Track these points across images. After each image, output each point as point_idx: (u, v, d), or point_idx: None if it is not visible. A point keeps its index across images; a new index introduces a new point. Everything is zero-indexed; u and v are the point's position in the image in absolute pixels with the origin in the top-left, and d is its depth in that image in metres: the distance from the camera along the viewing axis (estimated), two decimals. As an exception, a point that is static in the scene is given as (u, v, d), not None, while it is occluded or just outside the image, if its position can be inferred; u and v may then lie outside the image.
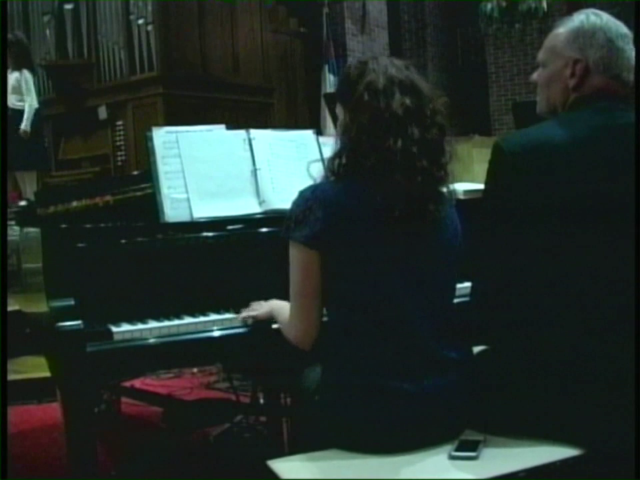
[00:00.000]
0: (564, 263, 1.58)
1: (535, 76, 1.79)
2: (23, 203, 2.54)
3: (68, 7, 7.55)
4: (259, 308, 1.95)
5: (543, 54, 1.75)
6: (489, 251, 1.67)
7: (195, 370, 4.01)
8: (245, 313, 1.96)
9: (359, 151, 1.67)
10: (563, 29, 1.70)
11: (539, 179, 1.57)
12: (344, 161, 1.69)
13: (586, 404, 1.56)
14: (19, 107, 6.37)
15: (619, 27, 1.66)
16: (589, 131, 1.61)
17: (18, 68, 6.41)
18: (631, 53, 1.67)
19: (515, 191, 1.59)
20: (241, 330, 1.94)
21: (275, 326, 1.88)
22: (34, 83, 6.54)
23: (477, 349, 1.81)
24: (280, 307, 1.86)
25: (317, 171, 1.75)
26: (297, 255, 1.67)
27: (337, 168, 1.70)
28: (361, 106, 1.68)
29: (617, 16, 1.71)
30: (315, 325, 1.70)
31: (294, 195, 1.71)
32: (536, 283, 1.61)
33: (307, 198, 1.66)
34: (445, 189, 1.73)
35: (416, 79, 1.71)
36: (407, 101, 1.66)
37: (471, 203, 2.35)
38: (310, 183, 1.75)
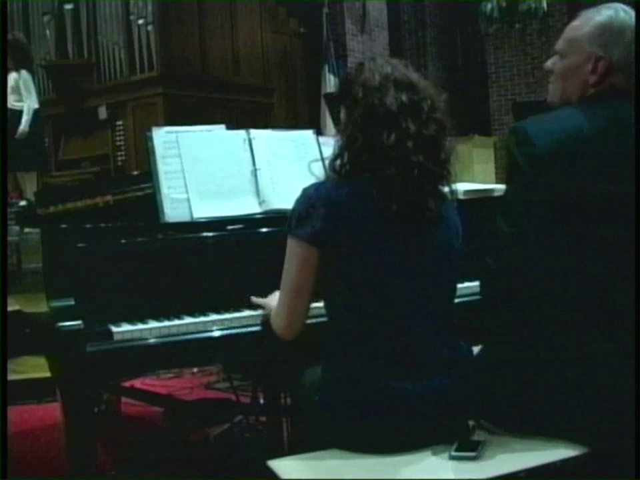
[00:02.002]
0: (583, 258, 1.56)
1: (549, 64, 1.73)
2: (23, 203, 2.54)
3: (68, 6, 7.54)
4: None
5: (563, 44, 1.69)
6: (509, 246, 1.62)
7: (195, 370, 4.01)
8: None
9: (355, 148, 1.67)
10: (588, 21, 1.63)
11: (566, 170, 1.53)
12: (345, 160, 1.70)
13: (587, 403, 1.56)
14: (18, 108, 6.36)
15: None
16: (608, 124, 1.57)
17: (16, 68, 6.41)
18: None
19: (542, 182, 1.55)
20: (241, 330, 1.94)
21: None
22: (33, 84, 6.54)
23: (477, 349, 1.81)
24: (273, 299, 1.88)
25: (319, 170, 1.76)
26: (296, 251, 1.67)
27: (338, 168, 1.70)
28: (356, 103, 1.69)
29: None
30: (302, 319, 1.73)
31: (294, 195, 1.71)
32: (552, 278, 1.59)
33: (310, 196, 1.66)
34: (446, 189, 1.73)
35: (413, 77, 1.71)
36: (402, 97, 1.66)
37: (470, 203, 2.35)
38: (311, 181, 1.75)
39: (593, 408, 1.55)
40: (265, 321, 1.91)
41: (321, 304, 1.75)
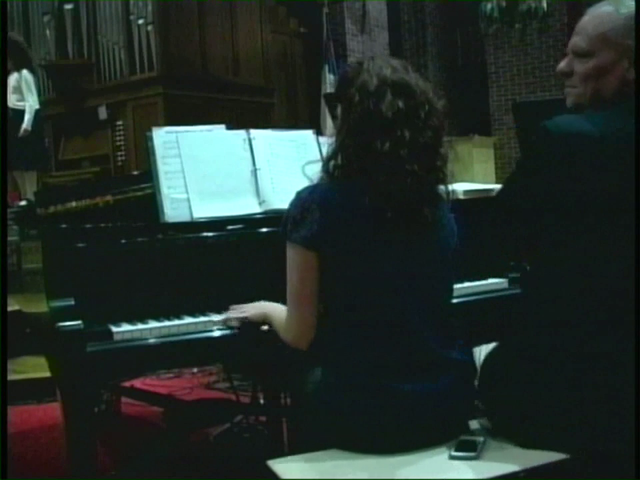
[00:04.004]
0: (590, 257, 1.55)
1: (564, 66, 1.64)
2: (23, 203, 2.54)
3: (68, 6, 7.54)
4: (248, 309, 1.92)
5: (589, 42, 1.57)
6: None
7: (195, 370, 4.00)
8: (228, 314, 1.93)
9: (348, 152, 1.67)
10: (613, 15, 1.54)
11: (587, 167, 1.50)
12: (339, 162, 1.69)
13: (588, 403, 1.56)
14: (20, 107, 6.39)
15: None
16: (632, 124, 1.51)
17: (17, 69, 6.43)
18: None
19: (554, 177, 1.52)
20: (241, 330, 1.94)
21: (264, 328, 1.87)
22: (35, 84, 6.55)
23: (477, 349, 1.81)
24: (273, 309, 1.85)
25: (313, 172, 1.75)
26: (294, 257, 1.67)
27: (332, 169, 1.70)
28: (352, 107, 1.67)
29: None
30: (312, 325, 1.70)
31: (294, 195, 1.71)
32: (556, 274, 1.59)
33: (304, 199, 1.66)
34: (442, 190, 1.72)
35: (412, 81, 1.69)
36: (399, 103, 1.64)
37: (470, 203, 2.35)
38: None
39: (595, 410, 1.55)
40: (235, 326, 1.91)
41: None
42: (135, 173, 5.38)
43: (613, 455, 1.55)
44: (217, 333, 1.92)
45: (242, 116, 7.16)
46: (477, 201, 2.47)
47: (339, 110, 1.75)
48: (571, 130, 1.53)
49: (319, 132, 2.41)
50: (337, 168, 1.69)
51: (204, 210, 2.16)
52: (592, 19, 1.59)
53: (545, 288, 1.62)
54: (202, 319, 1.93)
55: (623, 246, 1.53)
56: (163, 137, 2.20)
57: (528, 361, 1.62)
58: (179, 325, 1.90)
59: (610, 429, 1.54)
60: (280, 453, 1.78)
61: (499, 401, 1.67)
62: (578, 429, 1.56)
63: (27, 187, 6.42)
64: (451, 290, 1.78)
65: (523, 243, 1.68)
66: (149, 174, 2.19)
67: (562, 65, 1.66)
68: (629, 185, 1.51)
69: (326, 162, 1.72)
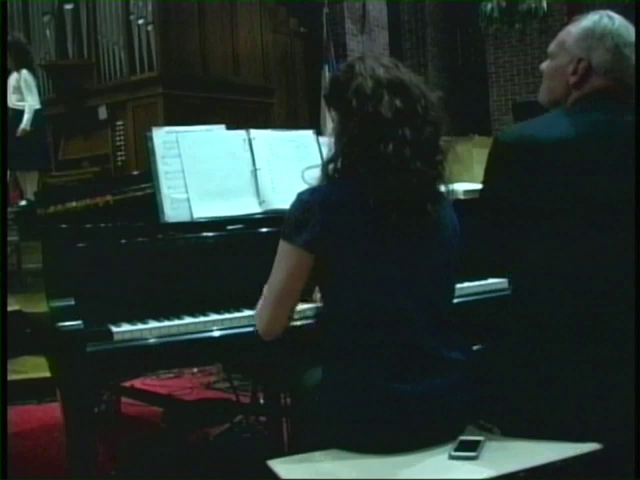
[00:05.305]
0: (547, 260, 1.62)
1: (543, 65, 1.82)
2: (23, 203, 2.55)
3: (68, 7, 7.54)
4: None
5: (553, 46, 1.78)
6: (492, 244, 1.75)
7: (195, 370, 4.01)
8: None
9: (351, 156, 1.66)
10: (576, 25, 1.72)
11: (528, 172, 1.60)
12: (338, 165, 1.69)
13: (587, 401, 1.56)
14: (20, 107, 6.39)
15: (629, 34, 1.67)
16: (585, 129, 1.63)
17: (17, 68, 6.43)
18: (634, 61, 1.67)
19: (504, 182, 1.66)
20: (241, 330, 1.94)
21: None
22: (35, 84, 6.55)
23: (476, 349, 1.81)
24: None
25: (312, 177, 1.74)
26: (290, 257, 1.66)
27: (332, 172, 1.69)
28: (350, 112, 1.66)
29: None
30: (284, 323, 1.72)
31: (294, 195, 1.71)
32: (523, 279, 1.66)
33: (306, 201, 1.65)
34: (443, 188, 1.72)
35: (405, 78, 1.69)
36: (397, 102, 1.64)
37: (470, 203, 2.35)
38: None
39: (592, 409, 1.56)
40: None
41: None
42: (135, 172, 5.38)
43: (611, 454, 1.55)
44: (216, 333, 1.92)
45: (242, 116, 7.16)
46: (477, 201, 2.47)
47: (333, 113, 1.74)
48: (515, 136, 1.68)
49: (319, 132, 2.41)
50: (337, 171, 1.69)
51: (204, 210, 2.16)
52: (565, 28, 1.76)
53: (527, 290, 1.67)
54: (202, 319, 1.93)
55: (585, 246, 1.59)
56: (162, 136, 2.20)
57: (524, 361, 1.63)
58: (178, 325, 1.90)
59: (608, 428, 1.55)
60: (280, 453, 1.78)
61: (496, 400, 1.68)
62: (576, 429, 1.57)
63: (27, 187, 6.42)
64: (453, 290, 1.79)
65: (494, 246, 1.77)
66: (148, 174, 2.19)
67: (543, 64, 1.83)
68: (583, 185, 1.59)
69: (326, 165, 1.71)
